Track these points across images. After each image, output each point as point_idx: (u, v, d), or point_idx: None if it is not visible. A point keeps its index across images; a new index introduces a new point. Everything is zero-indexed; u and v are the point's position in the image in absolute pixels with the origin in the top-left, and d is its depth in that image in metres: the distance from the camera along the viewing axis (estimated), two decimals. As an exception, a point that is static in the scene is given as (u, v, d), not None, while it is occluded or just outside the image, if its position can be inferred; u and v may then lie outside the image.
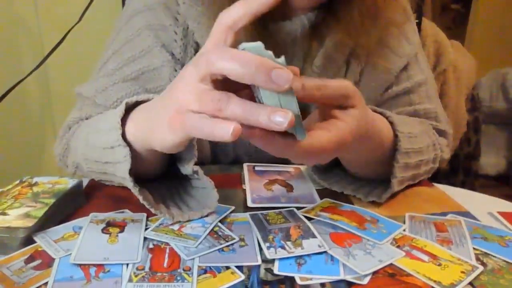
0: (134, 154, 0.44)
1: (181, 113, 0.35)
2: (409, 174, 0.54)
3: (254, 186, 0.55)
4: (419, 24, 1.12)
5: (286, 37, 0.60)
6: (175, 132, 0.36)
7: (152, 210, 0.44)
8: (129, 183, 0.43)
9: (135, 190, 0.43)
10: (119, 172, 0.44)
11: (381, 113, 0.52)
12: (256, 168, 0.61)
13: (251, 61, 0.31)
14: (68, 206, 0.48)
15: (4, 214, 0.43)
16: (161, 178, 0.52)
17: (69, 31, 1.29)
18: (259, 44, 0.33)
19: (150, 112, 0.42)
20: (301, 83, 0.36)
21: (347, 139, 0.39)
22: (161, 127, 0.38)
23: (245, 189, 0.54)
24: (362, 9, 0.56)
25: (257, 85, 0.32)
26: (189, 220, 0.46)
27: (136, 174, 0.44)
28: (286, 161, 0.65)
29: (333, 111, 0.40)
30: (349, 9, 0.56)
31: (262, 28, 0.55)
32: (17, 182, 0.51)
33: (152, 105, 0.43)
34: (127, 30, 0.61)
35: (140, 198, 0.43)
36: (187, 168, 0.46)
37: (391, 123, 0.52)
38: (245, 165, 0.61)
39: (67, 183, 0.50)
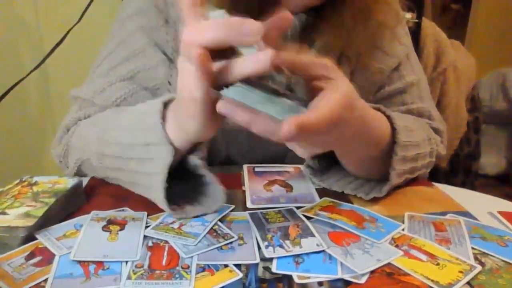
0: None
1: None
2: (407, 167, 0.54)
3: (253, 187, 0.55)
4: (419, 24, 1.12)
5: None
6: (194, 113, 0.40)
7: (168, 211, 0.45)
8: (161, 179, 0.44)
9: (161, 187, 0.44)
10: (151, 168, 0.45)
11: (377, 109, 0.52)
12: (256, 169, 0.61)
13: (221, 24, 0.34)
14: (68, 206, 0.48)
15: (4, 213, 0.43)
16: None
17: (69, 31, 1.29)
18: (221, 13, 0.36)
19: (176, 110, 0.44)
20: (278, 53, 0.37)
21: (341, 107, 0.38)
22: (186, 118, 0.42)
23: (245, 190, 0.54)
24: (354, 12, 0.56)
25: (235, 43, 0.35)
26: (189, 219, 0.46)
27: None
28: (281, 161, 0.65)
29: (317, 83, 0.40)
30: (341, 12, 0.56)
31: None
32: (17, 181, 0.51)
33: (176, 103, 0.45)
34: (120, 33, 0.62)
35: (161, 196, 0.44)
36: (193, 160, 0.48)
37: (388, 116, 0.52)
38: (245, 166, 0.61)
39: (67, 182, 0.50)
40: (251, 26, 0.34)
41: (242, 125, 0.37)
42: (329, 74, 0.40)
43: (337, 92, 0.39)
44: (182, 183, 0.51)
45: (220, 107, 0.37)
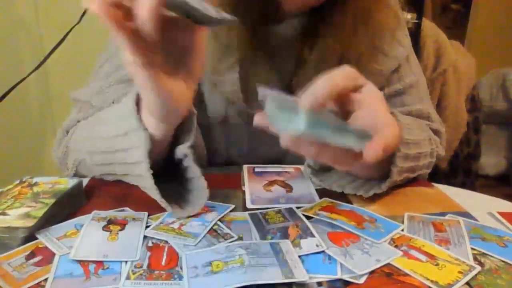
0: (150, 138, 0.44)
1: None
2: (408, 165, 0.54)
3: (253, 188, 0.55)
4: (419, 25, 1.12)
5: (278, 41, 0.60)
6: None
7: (158, 199, 0.45)
8: (145, 165, 0.43)
9: (148, 175, 0.43)
10: (134, 158, 0.44)
11: None
12: (256, 170, 0.61)
13: None
14: (68, 206, 0.48)
15: (4, 214, 0.43)
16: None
17: (69, 31, 1.29)
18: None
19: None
20: (314, 96, 0.36)
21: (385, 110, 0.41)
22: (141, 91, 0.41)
23: (245, 190, 0.54)
24: (356, 14, 0.56)
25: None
26: (189, 217, 0.46)
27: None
28: (281, 162, 0.65)
29: (352, 96, 0.41)
30: (343, 14, 0.56)
31: (254, 31, 0.55)
32: (17, 182, 0.51)
33: None
34: None
35: (150, 183, 0.44)
36: (181, 149, 0.47)
37: (391, 113, 0.52)
38: (244, 167, 0.61)
39: (67, 183, 0.50)
40: None
41: (307, 157, 0.37)
42: (359, 82, 0.41)
43: (380, 102, 0.41)
44: (176, 185, 0.50)
45: (287, 145, 0.38)
